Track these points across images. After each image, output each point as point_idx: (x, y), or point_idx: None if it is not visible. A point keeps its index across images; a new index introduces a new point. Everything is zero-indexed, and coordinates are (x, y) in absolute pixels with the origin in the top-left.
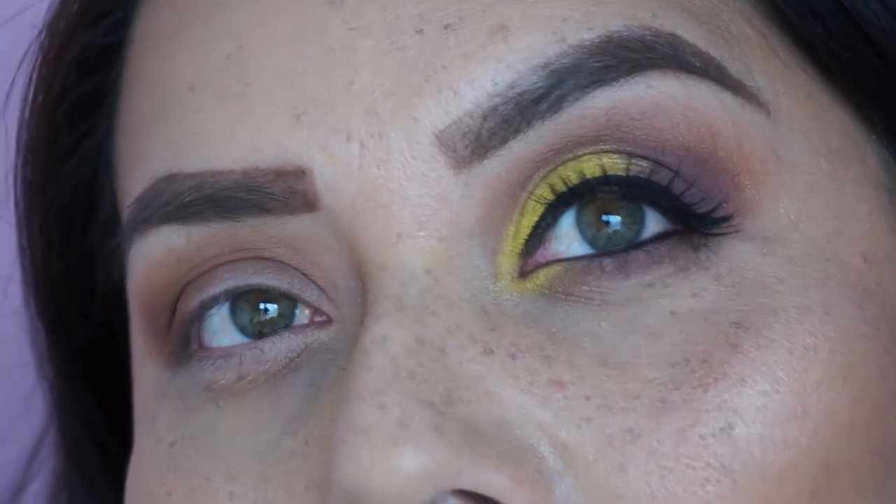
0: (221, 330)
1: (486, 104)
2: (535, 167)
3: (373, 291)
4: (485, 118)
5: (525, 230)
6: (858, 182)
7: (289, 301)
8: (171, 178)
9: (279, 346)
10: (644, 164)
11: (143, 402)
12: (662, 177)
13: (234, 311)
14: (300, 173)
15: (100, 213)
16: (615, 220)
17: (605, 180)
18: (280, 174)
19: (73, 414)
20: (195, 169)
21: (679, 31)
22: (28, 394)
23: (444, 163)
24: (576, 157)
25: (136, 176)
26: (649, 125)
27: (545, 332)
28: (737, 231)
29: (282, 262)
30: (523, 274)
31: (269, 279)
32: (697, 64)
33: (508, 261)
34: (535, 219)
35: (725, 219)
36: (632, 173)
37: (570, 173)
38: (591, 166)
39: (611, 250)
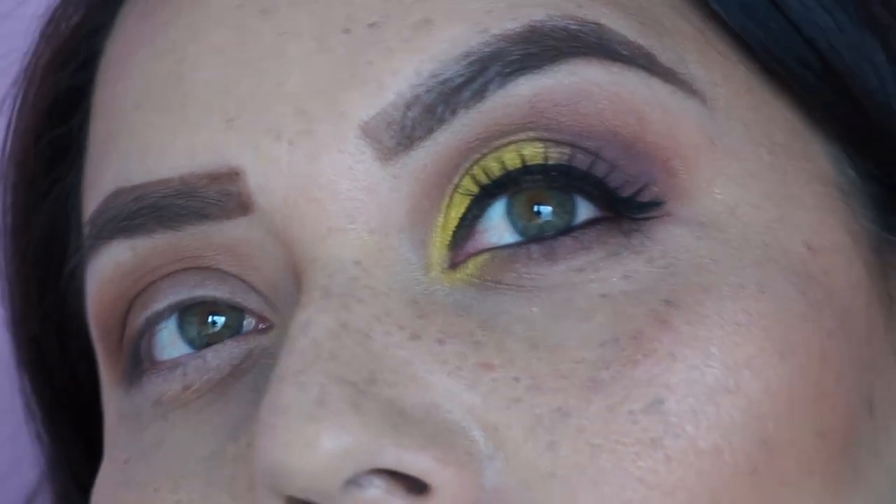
0: (170, 344)
1: (408, 94)
2: (461, 157)
3: (305, 286)
4: (408, 108)
5: (453, 221)
6: (804, 176)
7: (236, 312)
8: (118, 193)
9: (222, 354)
10: (564, 150)
11: (109, 427)
12: (582, 161)
13: (181, 325)
14: (234, 175)
15: (70, 255)
16: (546, 209)
17: (526, 170)
18: (214, 177)
19: (62, 466)
20: (139, 181)
21: (604, 21)
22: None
23: (371, 155)
24: (497, 148)
25: (90, 199)
26: (573, 110)
27: (475, 320)
28: (668, 215)
29: (223, 270)
30: (454, 265)
31: (210, 290)
32: (624, 52)
33: (438, 252)
34: (462, 210)
35: (656, 204)
36: (550, 161)
37: (493, 164)
38: (511, 157)
39: (538, 237)
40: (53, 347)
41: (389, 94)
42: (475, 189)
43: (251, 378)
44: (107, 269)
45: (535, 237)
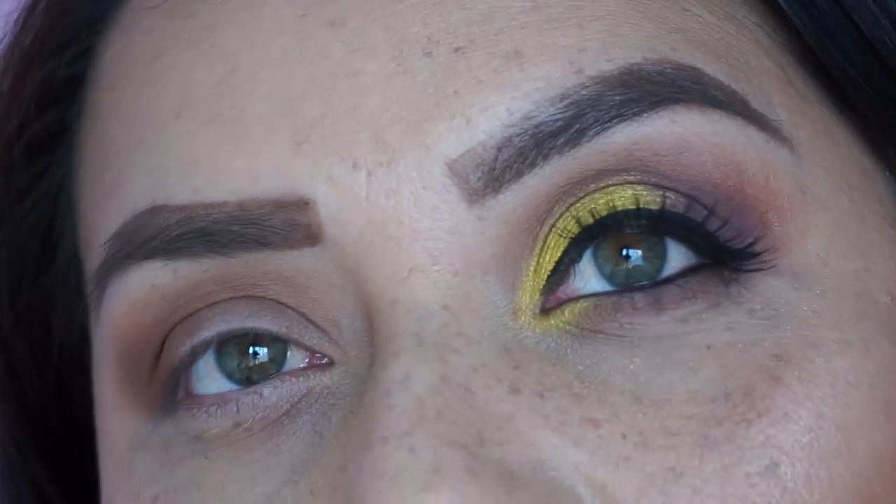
0: (207, 375)
1: (500, 134)
2: (553, 200)
3: (385, 329)
4: (499, 150)
5: (548, 265)
6: (878, 220)
7: (279, 343)
8: (155, 211)
9: (280, 391)
10: (681, 199)
11: (115, 456)
12: (697, 213)
13: (219, 356)
14: (303, 204)
15: (57, 258)
16: (636, 254)
17: (637, 213)
18: (280, 205)
19: (23, 482)
20: (184, 201)
21: (700, 65)
22: None
23: (457, 195)
24: (604, 188)
25: (110, 210)
26: (675, 161)
27: (571, 370)
28: (764, 266)
29: (278, 301)
30: (545, 310)
31: (265, 322)
32: (721, 98)
33: (529, 297)
34: (559, 254)
35: (753, 255)
36: (667, 207)
37: (599, 204)
38: (623, 197)
39: (640, 286)
40: (24, 354)
41: (480, 133)
42: (576, 230)
43: (308, 418)
44: (140, 290)
45: (634, 285)
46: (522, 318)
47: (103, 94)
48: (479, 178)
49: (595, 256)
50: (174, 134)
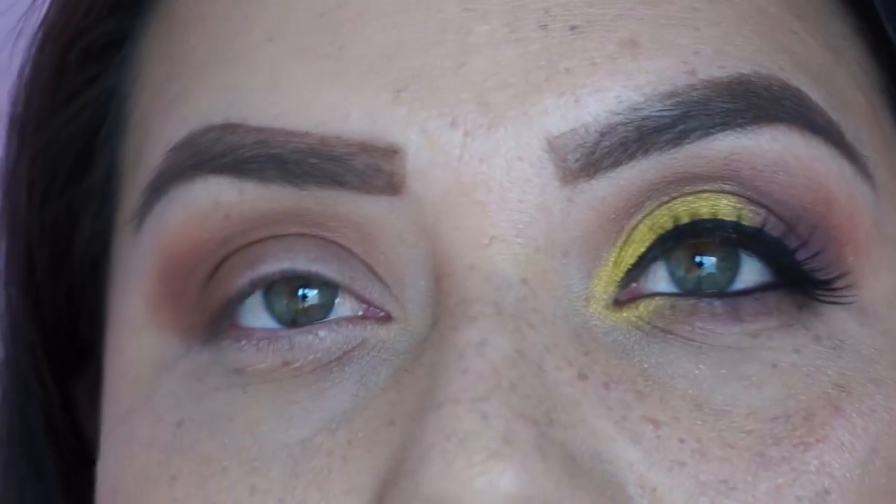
0: (252, 312)
1: (605, 120)
2: (643, 196)
3: (458, 292)
4: (602, 135)
5: (629, 259)
6: None
7: (329, 289)
8: (230, 128)
9: (335, 336)
10: (760, 212)
11: (133, 375)
12: (774, 228)
13: (266, 293)
14: (391, 152)
15: (94, 169)
16: (709, 262)
17: (735, 226)
18: (367, 148)
19: (29, 392)
20: (263, 123)
21: (804, 88)
22: None
23: (552, 172)
24: (699, 192)
25: (174, 121)
26: (770, 179)
27: (636, 366)
28: (848, 303)
29: (342, 246)
30: (617, 303)
31: (330, 269)
32: (821, 124)
33: (604, 286)
34: (643, 248)
35: (837, 289)
36: (744, 221)
37: (699, 208)
38: (726, 206)
39: (719, 293)
40: (45, 260)
41: (585, 115)
42: (664, 229)
43: (357, 369)
44: (201, 203)
45: (711, 292)
46: (594, 306)
47: (186, 5)
48: (576, 160)
49: (667, 259)
50: (263, 56)
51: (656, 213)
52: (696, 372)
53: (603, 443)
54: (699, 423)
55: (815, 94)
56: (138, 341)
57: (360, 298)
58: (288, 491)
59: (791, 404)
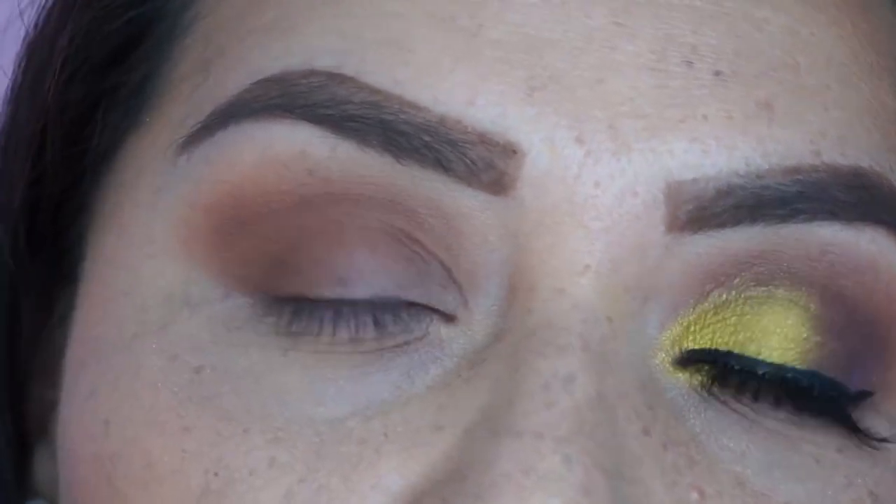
0: None
1: (727, 179)
2: (736, 266)
3: (542, 314)
4: (719, 193)
5: (703, 338)
6: None
7: None
8: (339, 78)
9: (413, 320)
10: (836, 319)
11: (143, 300)
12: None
13: None
14: (510, 150)
15: (133, 63)
16: None
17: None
18: (486, 140)
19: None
20: (380, 84)
21: None
22: None
23: (661, 215)
24: (783, 286)
25: (271, 50)
26: (858, 279)
27: (689, 431)
28: (870, 407)
29: (427, 248)
30: (680, 361)
31: (405, 290)
32: None
33: (672, 343)
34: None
35: (868, 394)
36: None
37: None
38: (801, 305)
39: (782, 379)
40: (58, 143)
41: (710, 168)
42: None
43: (407, 360)
44: (284, 148)
45: (768, 373)
46: (659, 358)
47: None
48: (688, 211)
49: None
50: (390, 12)
51: (737, 308)
52: (744, 448)
53: None
54: (739, 501)
55: None
56: (155, 266)
57: (429, 307)
58: (310, 472)
59: (827, 503)
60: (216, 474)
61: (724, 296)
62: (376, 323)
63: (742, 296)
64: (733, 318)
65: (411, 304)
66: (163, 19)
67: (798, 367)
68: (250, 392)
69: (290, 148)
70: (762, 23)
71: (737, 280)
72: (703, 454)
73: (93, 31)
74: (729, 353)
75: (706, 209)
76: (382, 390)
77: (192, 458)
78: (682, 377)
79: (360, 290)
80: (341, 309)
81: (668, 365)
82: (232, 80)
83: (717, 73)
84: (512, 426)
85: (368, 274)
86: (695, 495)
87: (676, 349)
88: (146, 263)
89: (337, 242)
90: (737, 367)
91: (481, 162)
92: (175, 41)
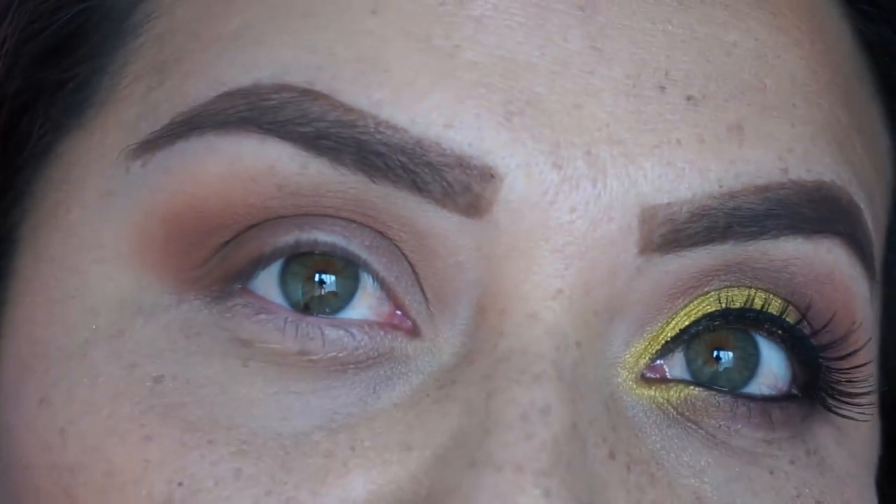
0: (264, 284)
1: (700, 202)
2: (699, 282)
3: (515, 339)
4: (692, 215)
5: (670, 332)
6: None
7: (349, 282)
8: (312, 95)
9: (370, 339)
10: (814, 322)
11: (92, 305)
12: (820, 340)
13: (283, 272)
14: (487, 175)
15: (78, 55)
16: (727, 357)
17: (761, 315)
18: (463, 164)
19: None
20: (355, 104)
21: (863, 206)
22: None
23: (635, 240)
24: (753, 287)
25: (237, 60)
26: (817, 289)
27: (649, 447)
28: (864, 419)
29: (400, 249)
30: (645, 379)
31: (381, 264)
32: (866, 251)
33: (636, 359)
34: (687, 322)
35: (855, 396)
36: (786, 316)
37: (736, 295)
38: (776, 304)
39: (752, 396)
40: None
41: (685, 191)
42: (709, 310)
43: (373, 376)
44: (252, 163)
45: (744, 393)
46: (623, 376)
47: None
48: (662, 234)
49: (686, 349)
50: (362, 29)
51: (709, 295)
52: (704, 465)
53: None
54: None
55: (866, 214)
56: (104, 271)
57: (396, 302)
58: (277, 484)
59: None
60: (180, 484)
61: (692, 301)
62: (348, 337)
63: (713, 294)
64: (701, 314)
65: (376, 322)
66: (109, 15)
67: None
68: (214, 403)
69: (258, 163)
70: (732, 47)
71: (705, 287)
72: (663, 471)
73: (33, 25)
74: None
75: (680, 231)
76: (348, 404)
77: (155, 467)
78: (647, 394)
79: (322, 236)
80: (305, 320)
81: (630, 383)
82: (193, 88)
83: (689, 98)
84: (491, 458)
85: (335, 229)
86: None
87: (639, 366)
88: (94, 268)
89: (312, 222)
90: (693, 380)
91: (458, 185)
92: (124, 39)
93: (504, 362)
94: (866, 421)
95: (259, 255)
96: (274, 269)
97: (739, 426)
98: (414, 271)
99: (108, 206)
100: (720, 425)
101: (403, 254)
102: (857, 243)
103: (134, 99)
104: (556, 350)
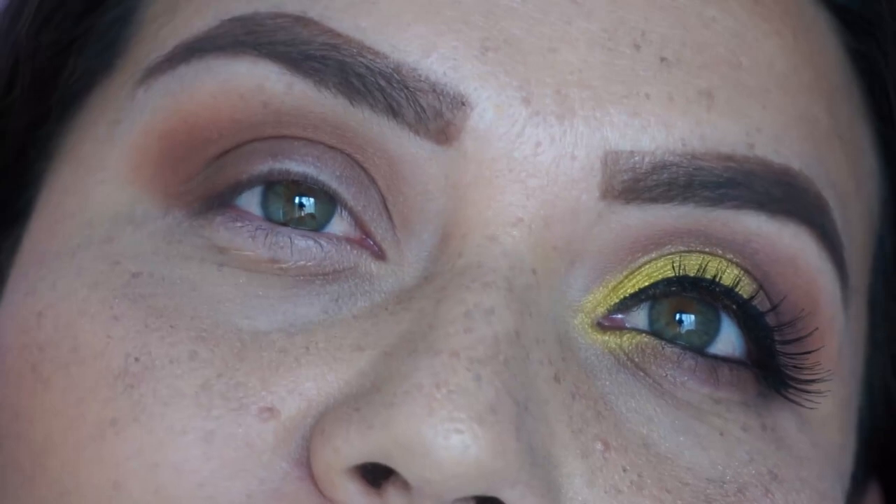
0: (247, 202)
1: (663, 157)
2: (665, 238)
3: (472, 257)
4: (654, 167)
5: (628, 289)
6: (855, 412)
7: (328, 206)
8: (303, 21)
9: (337, 252)
10: (755, 287)
11: (88, 218)
12: (762, 304)
13: (265, 193)
14: (458, 102)
15: (106, 7)
16: (689, 320)
17: (713, 283)
18: (437, 90)
19: None
20: (342, 29)
21: (831, 203)
22: None
23: (596, 182)
24: (698, 251)
25: None
26: (780, 271)
27: (600, 389)
28: (811, 407)
29: (370, 176)
30: (601, 326)
31: (350, 192)
32: (833, 243)
33: (594, 306)
34: (645, 285)
35: (807, 383)
36: (740, 290)
37: (693, 262)
38: (730, 274)
39: (701, 351)
40: (27, 81)
41: (648, 143)
42: (667, 274)
43: (337, 289)
44: (243, 82)
45: (695, 348)
46: (580, 319)
47: None
48: (623, 181)
49: (651, 308)
50: None
51: (668, 257)
52: (652, 413)
53: (557, 447)
54: (643, 459)
55: (836, 214)
56: (104, 189)
57: (364, 229)
58: (229, 369)
59: (728, 473)
60: (137, 359)
61: (653, 261)
62: (317, 248)
63: (674, 257)
64: (660, 276)
65: (344, 237)
66: None
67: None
68: (183, 296)
69: (248, 81)
70: (710, 21)
71: (667, 246)
72: (610, 411)
73: None
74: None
75: (640, 181)
76: (310, 312)
77: (116, 342)
78: (602, 339)
79: (294, 167)
80: (277, 230)
81: (586, 327)
82: (200, 20)
83: (663, 59)
84: (432, 346)
85: (307, 159)
86: (599, 445)
87: (596, 313)
88: (97, 189)
89: (286, 151)
90: (647, 331)
91: (430, 110)
92: None
93: (458, 276)
94: (812, 409)
95: (236, 182)
96: (257, 191)
97: (686, 378)
98: (383, 199)
99: (113, 134)
100: (667, 374)
101: (374, 182)
102: (827, 238)
103: (149, 37)
104: (510, 269)
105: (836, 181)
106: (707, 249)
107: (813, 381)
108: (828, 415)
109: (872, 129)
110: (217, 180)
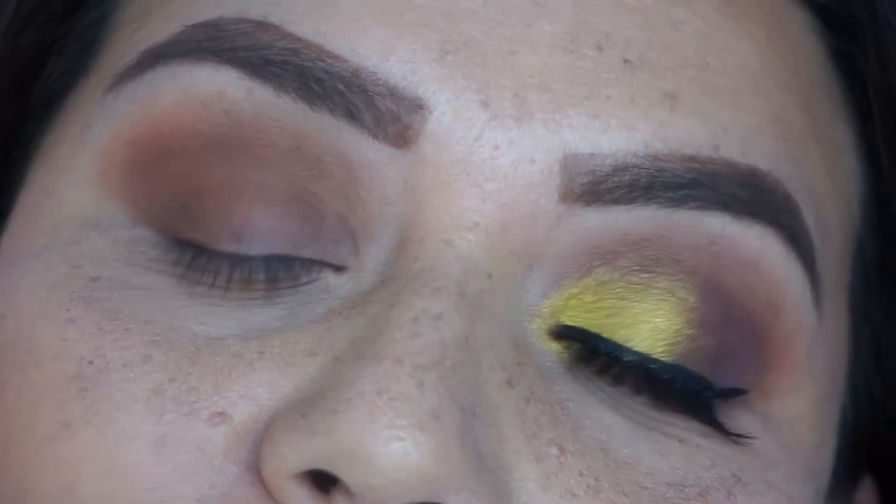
0: None
1: (624, 159)
2: (625, 245)
3: (427, 260)
4: (615, 169)
5: (587, 299)
6: (836, 413)
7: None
8: (265, 27)
9: (294, 274)
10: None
11: (56, 220)
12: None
13: None
14: (416, 106)
15: (85, 9)
16: None
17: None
18: (395, 94)
19: None
20: (302, 34)
21: (801, 205)
22: None
23: (556, 185)
24: (660, 276)
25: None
26: (740, 274)
27: (556, 395)
28: (746, 402)
29: (323, 199)
30: (556, 333)
31: (310, 250)
32: (802, 245)
33: (552, 313)
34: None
35: (741, 392)
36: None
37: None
38: (679, 296)
39: (648, 376)
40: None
41: (608, 145)
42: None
43: (294, 300)
44: (205, 89)
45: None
46: (536, 325)
47: None
48: (582, 184)
49: None
50: None
51: (628, 268)
52: (609, 421)
53: (509, 452)
54: (601, 464)
55: (807, 215)
56: (74, 192)
57: (324, 262)
58: (182, 373)
59: (689, 477)
60: (91, 362)
61: (608, 275)
62: (268, 272)
63: (624, 279)
64: (611, 301)
65: (304, 260)
66: None
67: (663, 358)
68: (139, 301)
69: (210, 88)
70: (678, 23)
71: (622, 261)
72: (567, 416)
73: None
74: (598, 336)
75: (601, 184)
76: (264, 321)
77: (70, 345)
78: (555, 347)
79: (256, 248)
80: (236, 261)
81: (543, 333)
82: (168, 24)
83: (626, 61)
84: (377, 352)
85: (265, 233)
86: (555, 450)
87: (554, 320)
88: (68, 192)
89: (237, 197)
90: (603, 350)
91: (389, 114)
92: None
93: (412, 280)
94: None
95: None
96: None
97: (627, 391)
98: (343, 218)
99: (85, 137)
100: (618, 390)
101: (329, 206)
102: (795, 239)
103: (122, 41)
104: (463, 273)
105: (810, 182)
106: (658, 269)
107: (737, 389)
108: (798, 415)
109: (853, 129)
110: (183, 237)
